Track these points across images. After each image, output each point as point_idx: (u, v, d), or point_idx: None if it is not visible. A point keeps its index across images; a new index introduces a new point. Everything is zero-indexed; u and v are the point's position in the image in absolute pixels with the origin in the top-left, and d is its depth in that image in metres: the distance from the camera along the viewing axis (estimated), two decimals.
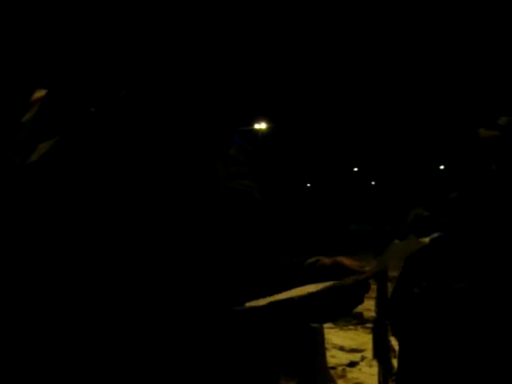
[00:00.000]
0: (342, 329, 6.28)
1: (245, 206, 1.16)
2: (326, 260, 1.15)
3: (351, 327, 6.30)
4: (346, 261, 1.12)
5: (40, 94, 1.07)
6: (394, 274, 2.23)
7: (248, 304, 0.97)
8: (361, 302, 1.09)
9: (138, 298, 0.99)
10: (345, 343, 5.75)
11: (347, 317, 6.96)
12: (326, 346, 4.87)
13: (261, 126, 33.92)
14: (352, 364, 5.10)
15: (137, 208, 1.01)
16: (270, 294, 1.05)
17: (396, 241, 1.23)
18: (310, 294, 0.99)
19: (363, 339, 5.65)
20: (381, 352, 4.01)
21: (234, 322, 1.01)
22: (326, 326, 5.90)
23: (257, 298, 1.02)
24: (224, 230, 1.08)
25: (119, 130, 1.04)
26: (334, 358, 5.21)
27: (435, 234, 1.92)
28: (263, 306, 0.97)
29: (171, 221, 1.01)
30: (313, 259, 1.18)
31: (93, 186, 1.00)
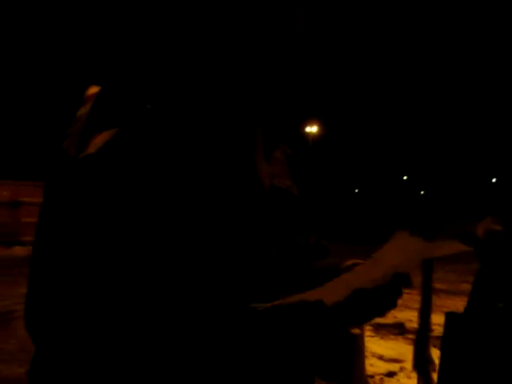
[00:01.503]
0: (382, 338, 6.22)
1: (287, 204, 1.17)
2: (361, 267, 1.15)
3: (392, 337, 6.22)
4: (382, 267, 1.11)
5: (94, 90, 1.10)
6: (440, 286, 2.20)
7: (272, 303, 0.96)
8: (393, 305, 1.07)
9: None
10: (384, 352, 5.69)
11: (389, 326, 6.89)
12: (366, 354, 4.82)
13: (312, 129, 33.86)
14: (390, 374, 5.04)
15: (189, 203, 1.02)
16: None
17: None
18: (342, 298, 0.98)
19: (403, 350, 5.58)
20: (421, 364, 3.96)
21: (253, 321, 1.00)
22: (366, 334, 5.84)
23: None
24: (267, 226, 1.09)
25: (173, 127, 1.05)
26: (373, 366, 5.16)
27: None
28: (288, 305, 0.95)
29: (219, 217, 1.02)
30: (350, 262, 1.18)
31: (149, 180, 1.02)
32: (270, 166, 1.16)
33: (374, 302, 1.04)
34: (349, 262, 1.19)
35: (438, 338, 2.21)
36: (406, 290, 1.14)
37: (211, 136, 1.08)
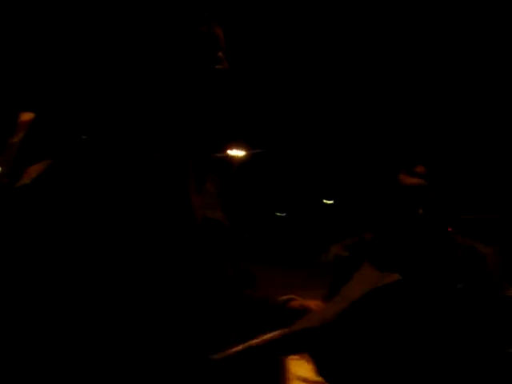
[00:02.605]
0: (307, 360, 6.26)
1: (218, 235, 1.19)
2: (296, 303, 1.19)
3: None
4: (313, 304, 1.16)
5: (27, 117, 1.09)
6: None
7: (223, 352, 1.00)
8: (321, 338, 1.12)
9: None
10: (308, 375, 5.73)
11: None
12: (289, 376, 4.85)
13: (237, 152, 34.00)
14: None
15: (122, 235, 1.02)
16: (239, 329, 1.08)
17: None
18: (274, 340, 1.02)
19: None
20: None
21: (210, 370, 1.03)
22: (290, 356, 5.86)
23: (222, 331, 1.05)
24: (199, 257, 1.10)
25: (108, 159, 1.06)
26: None
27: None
28: (239, 353, 1.00)
29: (152, 249, 1.02)
30: (285, 298, 1.22)
31: (81, 208, 1.02)
32: (201, 198, 1.18)
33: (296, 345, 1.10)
34: (283, 298, 1.23)
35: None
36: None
37: (145, 169, 1.09)
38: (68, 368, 0.99)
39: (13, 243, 0.99)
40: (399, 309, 2.00)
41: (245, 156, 34.46)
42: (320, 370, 2.25)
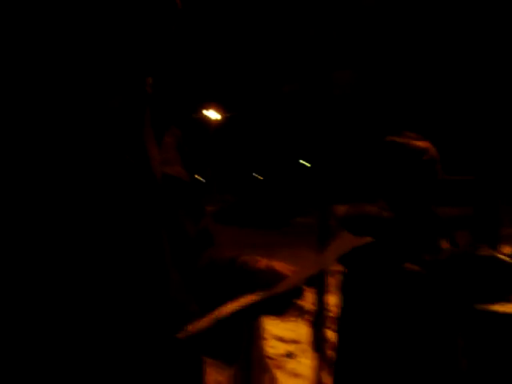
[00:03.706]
0: (282, 320, 6.32)
1: (178, 192, 1.15)
2: (261, 263, 1.16)
3: (292, 319, 6.34)
4: (279, 266, 1.14)
5: None
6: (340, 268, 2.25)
7: (189, 328, 0.97)
8: (291, 305, 1.12)
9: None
10: (284, 334, 5.79)
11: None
12: (266, 336, 4.89)
13: (213, 114, 33.80)
14: (289, 355, 5.14)
15: (76, 194, 0.98)
16: (201, 296, 1.06)
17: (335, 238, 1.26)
18: (239, 311, 1.01)
19: (303, 331, 5.70)
20: (319, 344, 4.08)
21: (176, 349, 1.00)
22: (266, 316, 5.91)
23: (185, 297, 1.04)
24: (158, 215, 1.07)
25: (59, 112, 1.01)
26: (273, 348, 5.24)
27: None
28: (204, 330, 0.97)
29: (108, 208, 0.98)
30: (248, 257, 1.19)
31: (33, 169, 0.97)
32: (160, 153, 1.13)
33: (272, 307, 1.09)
34: (246, 258, 1.21)
35: (336, 318, 2.26)
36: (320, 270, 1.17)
37: (96, 121, 1.03)
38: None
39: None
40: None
41: (222, 118, 34.26)
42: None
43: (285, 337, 5.69)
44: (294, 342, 5.53)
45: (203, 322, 0.99)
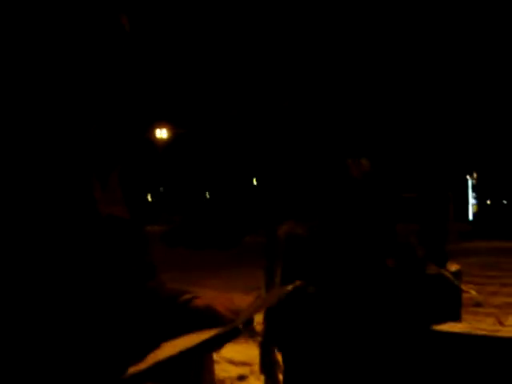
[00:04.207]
0: (234, 342, 6.28)
1: (122, 231, 1.15)
2: (200, 302, 1.16)
3: (242, 340, 6.30)
4: (220, 306, 1.14)
5: None
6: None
7: (130, 370, 0.96)
8: (227, 342, 1.13)
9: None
10: (235, 356, 5.75)
11: None
12: (216, 359, 4.84)
13: (162, 134, 33.66)
14: (241, 378, 5.10)
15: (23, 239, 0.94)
16: (143, 336, 1.05)
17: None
18: (181, 353, 1.01)
19: (254, 352, 5.66)
20: (267, 366, 4.04)
21: None
22: None
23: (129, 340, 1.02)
24: (98, 257, 1.05)
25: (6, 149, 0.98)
26: (224, 371, 5.20)
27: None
28: (145, 370, 0.96)
29: (55, 251, 0.96)
30: (188, 296, 1.19)
31: None
32: (105, 193, 1.12)
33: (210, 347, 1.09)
34: (187, 296, 1.21)
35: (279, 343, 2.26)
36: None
37: (44, 165, 1.01)
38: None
39: None
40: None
41: (171, 137, 34.17)
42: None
43: (236, 359, 5.65)
44: (246, 364, 5.49)
45: (144, 365, 0.98)
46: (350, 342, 2.06)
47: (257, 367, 5.53)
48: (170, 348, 1.04)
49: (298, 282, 1.24)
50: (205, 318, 1.15)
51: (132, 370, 0.97)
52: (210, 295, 1.23)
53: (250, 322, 1.14)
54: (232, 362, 5.56)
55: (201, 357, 1.32)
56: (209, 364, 3.79)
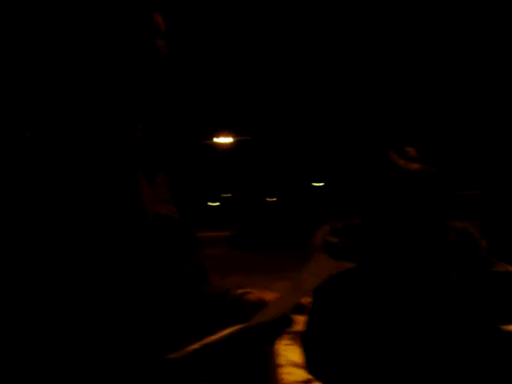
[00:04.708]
0: (299, 345, 6.24)
1: (170, 230, 1.15)
2: (252, 296, 1.16)
3: None
4: (270, 297, 1.14)
5: None
6: None
7: (179, 351, 0.97)
8: (281, 333, 1.12)
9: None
10: (300, 359, 5.71)
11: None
12: (282, 362, 4.82)
13: (224, 140, 33.95)
14: (307, 381, 5.06)
15: (71, 233, 0.97)
16: (195, 326, 1.05)
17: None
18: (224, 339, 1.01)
19: None
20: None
21: (166, 369, 0.99)
22: (283, 342, 5.86)
23: (183, 328, 1.03)
24: (151, 255, 1.06)
25: (55, 155, 1.00)
26: (289, 374, 5.17)
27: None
28: (196, 351, 0.96)
29: (101, 247, 0.97)
30: (241, 291, 1.18)
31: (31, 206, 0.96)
32: (153, 192, 1.13)
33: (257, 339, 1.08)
34: (239, 291, 1.20)
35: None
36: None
37: (94, 164, 1.03)
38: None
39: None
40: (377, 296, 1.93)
41: (232, 143, 34.44)
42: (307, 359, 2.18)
43: (301, 362, 5.62)
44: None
45: (194, 346, 1.00)
46: (412, 343, 2.00)
47: None
48: (219, 334, 1.05)
49: (348, 264, 1.21)
50: (256, 308, 1.16)
51: (182, 350, 1.00)
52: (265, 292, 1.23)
53: (302, 308, 1.14)
54: (298, 365, 5.53)
55: (255, 349, 1.32)
56: (274, 367, 3.79)
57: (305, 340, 2.14)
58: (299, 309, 1.13)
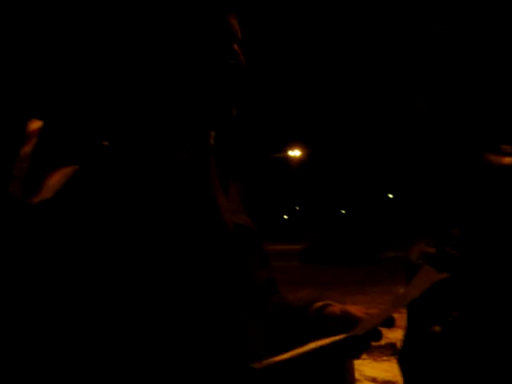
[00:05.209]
0: (375, 360, 6.15)
1: (249, 241, 1.14)
2: (335, 308, 1.12)
3: (385, 358, 6.16)
4: (354, 309, 1.10)
5: (36, 125, 1.04)
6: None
7: (263, 361, 0.95)
8: (368, 347, 1.07)
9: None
10: (378, 375, 5.63)
11: (381, 348, 6.82)
12: (359, 377, 4.77)
13: (295, 153, 34.01)
14: None
15: (153, 247, 0.98)
16: (273, 341, 1.04)
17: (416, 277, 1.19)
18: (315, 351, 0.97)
19: (397, 371, 5.53)
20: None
21: (251, 379, 0.98)
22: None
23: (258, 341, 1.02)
24: (233, 267, 1.06)
25: (133, 165, 1.02)
26: None
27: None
28: (280, 364, 0.94)
29: (184, 261, 0.98)
30: (321, 303, 1.15)
31: (118, 227, 0.97)
32: (228, 202, 1.12)
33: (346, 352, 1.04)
34: (319, 304, 1.17)
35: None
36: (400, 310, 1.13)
37: (170, 172, 1.05)
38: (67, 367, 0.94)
39: (32, 268, 0.95)
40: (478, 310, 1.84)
41: (303, 156, 34.37)
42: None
43: (379, 378, 5.53)
44: (389, 382, 5.36)
45: (279, 358, 0.97)
46: None
47: None
48: (308, 346, 1.02)
49: (444, 275, 1.16)
50: (341, 323, 1.12)
51: (267, 361, 0.98)
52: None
53: (390, 321, 1.08)
54: (375, 381, 5.45)
55: (338, 368, 1.29)
56: (351, 382, 3.73)
57: (402, 357, 2.08)
58: (387, 322, 1.08)
